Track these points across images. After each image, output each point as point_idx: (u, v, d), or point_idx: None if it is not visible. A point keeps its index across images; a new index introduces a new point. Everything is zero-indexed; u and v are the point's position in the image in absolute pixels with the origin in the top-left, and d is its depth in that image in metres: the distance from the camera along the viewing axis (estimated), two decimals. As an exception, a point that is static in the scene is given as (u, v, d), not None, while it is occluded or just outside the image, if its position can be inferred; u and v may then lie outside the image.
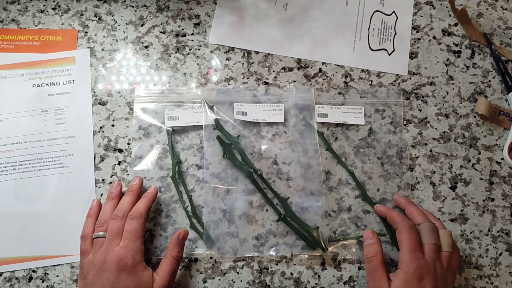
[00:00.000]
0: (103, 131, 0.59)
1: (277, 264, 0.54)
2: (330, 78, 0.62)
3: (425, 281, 0.46)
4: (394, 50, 0.64)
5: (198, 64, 0.62)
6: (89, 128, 0.59)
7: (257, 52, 0.63)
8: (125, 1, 0.65)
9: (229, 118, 0.59)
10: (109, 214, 0.52)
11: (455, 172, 0.58)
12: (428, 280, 0.46)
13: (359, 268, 0.54)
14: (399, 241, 0.50)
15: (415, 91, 0.62)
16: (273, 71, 0.62)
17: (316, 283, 0.54)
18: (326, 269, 0.54)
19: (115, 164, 0.58)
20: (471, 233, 0.56)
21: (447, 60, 0.63)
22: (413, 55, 0.63)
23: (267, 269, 0.54)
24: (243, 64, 0.63)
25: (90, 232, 0.51)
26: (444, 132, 0.60)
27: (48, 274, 0.54)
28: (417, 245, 0.48)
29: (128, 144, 0.59)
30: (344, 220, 0.56)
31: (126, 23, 0.64)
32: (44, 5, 0.65)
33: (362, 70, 0.63)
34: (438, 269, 0.47)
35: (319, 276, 0.54)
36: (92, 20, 0.64)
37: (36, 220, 0.56)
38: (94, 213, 0.53)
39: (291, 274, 0.54)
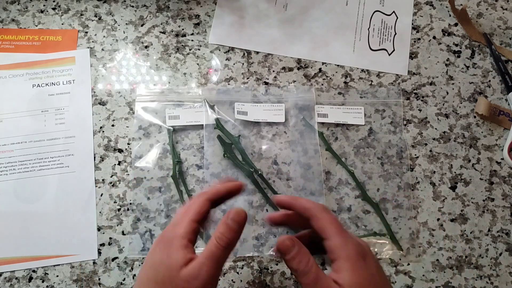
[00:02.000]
0: (103, 131, 0.59)
1: (277, 264, 0.54)
2: (330, 78, 0.62)
3: (369, 259, 0.39)
4: (394, 50, 0.64)
5: (198, 64, 0.62)
6: (89, 128, 0.59)
7: (257, 52, 0.63)
8: (125, 1, 0.65)
9: (229, 117, 0.59)
10: None
11: (455, 172, 0.58)
12: (370, 257, 0.39)
13: (359, 268, 0.54)
14: (321, 228, 0.40)
15: (415, 91, 0.62)
16: (273, 71, 0.62)
17: (316, 283, 0.54)
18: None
19: (115, 164, 0.58)
20: (471, 233, 0.56)
21: (447, 60, 0.63)
22: (413, 55, 0.64)
23: (267, 269, 0.54)
24: (243, 64, 0.63)
25: None
26: (444, 132, 0.60)
27: (48, 274, 0.54)
28: (342, 226, 0.40)
29: (128, 144, 0.59)
30: (344, 220, 0.56)
31: (126, 23, 0.64)
32: (44, 5, 0.65)
33: (362, 70, 0.63)
34: None
35: (319, 276, 0.54)
36: (92, 20, 0.64)
37: (36, 220, 0.56)
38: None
39: (291, 274, 0.54)
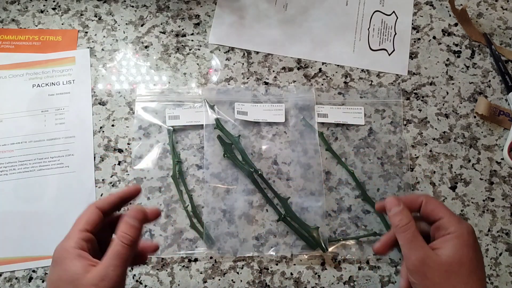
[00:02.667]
0: (103, 131, 0.59)
1: (277, 264, 0.54)
2: (330, 78, 0.62)
3: (476, 242, 0.41)
4: (394, 50, 0.64)
5: (198, 64, 0.62)
6: (89, 128, 0.59)
7: (257, 52, 0.63)
8: (125, 1, 0.65)
9: (229, 117, 0.59)
10: None
11: (455, 172, 0.58)
12: (477, 241, 0.41)
13: (359, 268, 0.54)
14: (434, 210, 0.43)
15: (415, 91, 0.62)
16: (273, 71, 0.62)
17: (316, 283, 0.54)
18: (326, 269, 0.54)
19: (115, 164, 0.58)
20: (471, 233, 0.56)
21: (447, 60, 0.63)
22: (413, 55, 0.64)
23: (267, 269, 0.54)
24: (243, 64, 0.63)
25: None
26: (444, 132, 0.60)
27: (48, 274, 0.54)
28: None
29: (128, 144, 0.59)
30: (344, 220, 0.56)
31: (126, 23, 0.64)
32: (44, 5, 0.65)
33: (362, 70, 0.63)
34: None
35: (319, 276, 0.54)
36: (92, 20, 0.64)
37: (36, 220, 0.56)
38: None
39: (291, 274, 0.54)
